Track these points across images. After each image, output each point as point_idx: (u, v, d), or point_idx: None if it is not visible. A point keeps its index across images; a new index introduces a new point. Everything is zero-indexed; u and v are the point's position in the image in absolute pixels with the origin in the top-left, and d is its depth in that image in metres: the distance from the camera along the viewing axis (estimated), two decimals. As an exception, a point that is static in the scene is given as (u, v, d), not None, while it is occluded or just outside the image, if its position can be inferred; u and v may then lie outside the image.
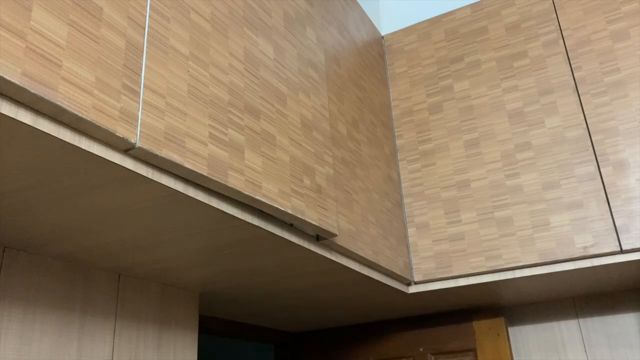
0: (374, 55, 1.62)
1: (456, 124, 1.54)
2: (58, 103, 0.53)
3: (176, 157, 0.67)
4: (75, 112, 0.55)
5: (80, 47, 0.57)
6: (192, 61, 0.74)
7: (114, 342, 1.00)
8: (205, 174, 0.71)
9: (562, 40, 1.46)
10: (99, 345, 0.97)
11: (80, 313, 0.95)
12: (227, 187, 0.75)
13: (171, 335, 1.14)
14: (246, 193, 0.78)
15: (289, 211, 0.88)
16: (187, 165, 0.68)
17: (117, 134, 0.59)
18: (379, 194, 1.36)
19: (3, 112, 0.50)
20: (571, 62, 1.43)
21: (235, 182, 0.76)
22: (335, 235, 1.00)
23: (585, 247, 1.27)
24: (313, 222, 0.94)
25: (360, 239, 1.16)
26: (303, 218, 0.91)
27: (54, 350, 0.88)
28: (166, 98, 0.67)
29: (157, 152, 0.64)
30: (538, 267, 1.32)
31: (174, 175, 0.70)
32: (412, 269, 1.46)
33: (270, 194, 0.84)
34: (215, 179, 0.72)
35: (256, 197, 0.80)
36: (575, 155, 1.35)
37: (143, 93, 0.65)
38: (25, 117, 0.52)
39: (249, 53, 0.89)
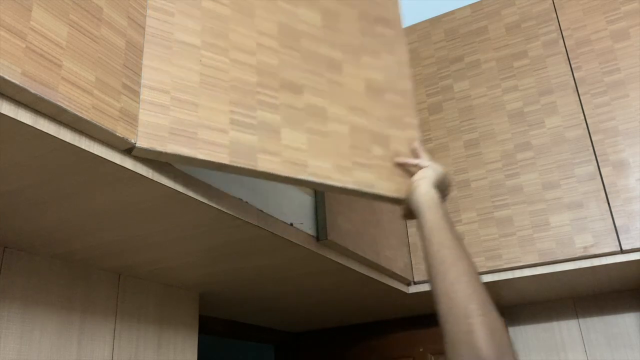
0: (374, 55, 1.62)
1: (456, 124, 1.54)
2: (58, 103, 0.53)
3: (185, 150, 0.65)
4: (75, 112, 0.55)
5: (80, 47, 0.57)
6: (205, 50, 0.71)
7: (114, 342, 1.00)
8: (226, 162, 0.68)
9: (562, 40, 1.46)
10: (99, 345, 0.96)
11: (80, 313, 0.95)
12: (255, 172, 0.71)
13: (171, 335, 1.14)
14: (285, 175, 0.73)
15: (351, 186, 0.81)
16: (200, 156, 0.66)
17: (117, 134, 0.59)
18: (379, 194, 1.36)
19: (3, 112, 0.50)
20: (571, 62, 1.43)
21: (269, 165, 0.72)
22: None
23: (585, 247, 1.27)
24: (389, 194, 0.85)
25: (360, 239, 1.16)
26: (372, 191, 0.83)
27: (54, 350, 0.88)
28: (170, 93, 0.67)
29: (161, 149, 0.63)
30: (538, 267, 1.32)
31: (179, 173, 0.70)
32: (412, 269, 1.46)
33: (321, 171, 0.78)
34: (240, 166, 0.69)
35: (300, 177, 0.75)
36: (575, 155, 1.34)
37: (143, 92, 0.65)
38: (25, 117, 0.52)
39: (286, 27, 0.83)
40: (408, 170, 0.89)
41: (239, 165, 0.69)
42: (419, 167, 0.87)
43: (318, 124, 0.80)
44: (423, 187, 0.82)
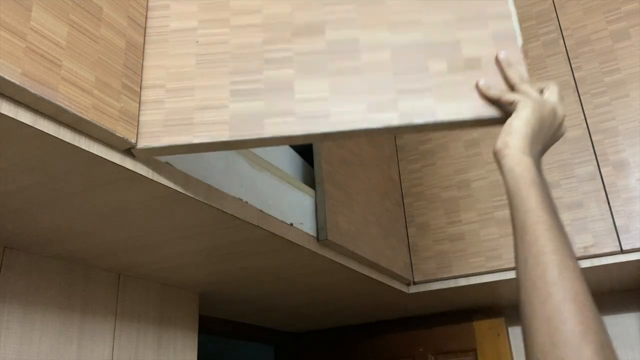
0: (374, 55, 1.62)
1: (456, 124, 1.53)
2: (58, 103, 0.53)
3: (180, 139, 0.63)
4: (75, 112, 0.55)
5: (80, 47, 0.57)
6: (203, 29, 0.69)
7: (114, 342, 1.00)
8: (226, 139, 0.64)
9: (562, 40, 1.45)
10: (99, 345, 0.96)
11: (80, 313, 0.95)
12: (261, 140, 0.64)
13: (171, 335, 1.14)
14: (299, 133, 0.64)
15: (396, 122, 0.65)
16: (196, 141, 0.63)
17: (117, 134, 0.59)
18: (379, 194, 1.36)
19: (3, 112, 0.50)
20: (571, 62, 1.43)
21: (279, 128, 0.64)
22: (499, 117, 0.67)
23: (585, 247, 1.27)
24: (464, 116, 0.66)
25: (360, 239, 1.16)
26: (435, 120, 0.65)
27: (54, 351, 0.88)
28: (165, 86, 0.66)
29: (156, 144, 0.63)
30: (538, 267, 1.31)
31: (179, 174, 0.70)
32: (412, 269, 1.46)
33: (349, 116, 0.65)
34: (242, 138, 0.64)
35: (319, 132, 0.64)
36: (575, 155, 1.34)
37: (143, 93, 0.65)
38: (25, 117, 0.52)
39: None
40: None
41: (242, 138, 0.64)
42: (509, 103, 0.62)
43: (346, 61, 0.68)
44: (511, 156, 0.59)
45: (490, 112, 0.67)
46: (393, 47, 0.70)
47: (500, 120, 0.67)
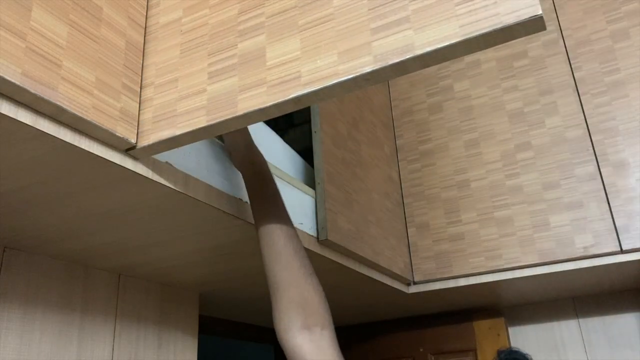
0: (374, 55, 1.62)
1: (456, 124, 1.54)
2: (58, 103, 0.53)
3: (165, 134, 0.62)
4: (75, 112, 0.55)
5: (80, 47, 0.57)
6: (186, 16, 0.67)
7: (114, 342, 1.00)
8: (204, 124, 0.60)
9: (562, 40, 1.45)
10: (99, 345, 0.96)
11: (80, 313, 0.95)
12: (236, 119, 0.60)
13: (171, 335, 1.14)
14: (271, 103, 0.58)
15: (369, 68, 0.55)
16: (178, 132, 0.61)
17: (117, 134, 0.59)
18: (379, 194, 1.36)
19: (3, 112, 0.50)
20: (571, 62, 1.43)
21: (251, 102, 0.59)
22: (538, 16, 0.49)
23: (585, 247, 1.27)
24: (442, 44, 0.52)
25: (360, 239, 1.16)
26: (414, 54, 0.54)
27: (54, 350, 0.88)
28: (154, 83, 0.65)
29: (145, 143, 0.62)
30: (538, 267, 1.32)
31: (180, 174, 0.70)
32: (412, 269, 1.46)
33: (321, 71, 0.57)
34: (218, 121, 0.60)
35: (290, 97, 0.58)
36: (575, 155, 1.34)
37: (143, 93, 0.65)
38: (25, 117, 0.52)
39: None
40: None
41: (217, 120, 0.60)
42: None
43: (317, 10, 0.61)
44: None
45: (483, 27, 0.53)
46: None
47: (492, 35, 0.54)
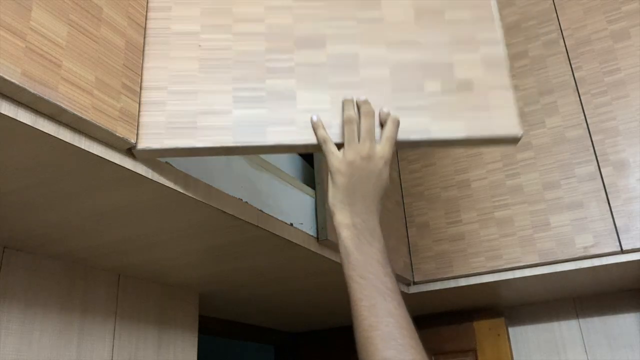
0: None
1: (456, 124, 1.53)
2: (58, 103, 0.53)
3: (183, 142, 0.64)
4: (75, 112, 0.55)
5: (80, 47, 0.57)
6: (205, 34, 0.70)
7: (113, 342, 1.00)
8: (230, 144, 0.66)
9: (562, 40, 1.45)
10: (99, 345, 0.96)
11: (80, 313, 0.95)
12: (263, 147, 0.67)
13: (171, 335, 1.14)
14: (302, 143, 0.68)
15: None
16: (199, 145, 0.65)
17: (117, 134, 0.59)
18: (379, 194, 1.35)
19: (3, 112, 0.50)
20: (571, 62, 1.43)
21: (282, 137, 0.67)
22: (517, 137, 0.70)
23: (585, 247, 1.27)
24: (456, 135, 0.69)
25: (360, 239, 1.16)
26: (429, 137, 0.69)
27: (53, 350, 0.88)
28: (167, 88, 0.66)
29: (158, 146, 0.63)
30: (538, 267, 1.32)
31: (180, 174, 0.70)
32: (412, 269, 1.46)
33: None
34: (245, 145, 0.66)
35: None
36: (576, 155, 1.34)
37: (143, 93, 0.65)
38: (25, 117, 0.52)
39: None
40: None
41: (244, 144, 0.66)
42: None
43: (346, 75, 0.71)
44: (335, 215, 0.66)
45: (481, 132, 0.70)
46: (392, 64, 0.72)
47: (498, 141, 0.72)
